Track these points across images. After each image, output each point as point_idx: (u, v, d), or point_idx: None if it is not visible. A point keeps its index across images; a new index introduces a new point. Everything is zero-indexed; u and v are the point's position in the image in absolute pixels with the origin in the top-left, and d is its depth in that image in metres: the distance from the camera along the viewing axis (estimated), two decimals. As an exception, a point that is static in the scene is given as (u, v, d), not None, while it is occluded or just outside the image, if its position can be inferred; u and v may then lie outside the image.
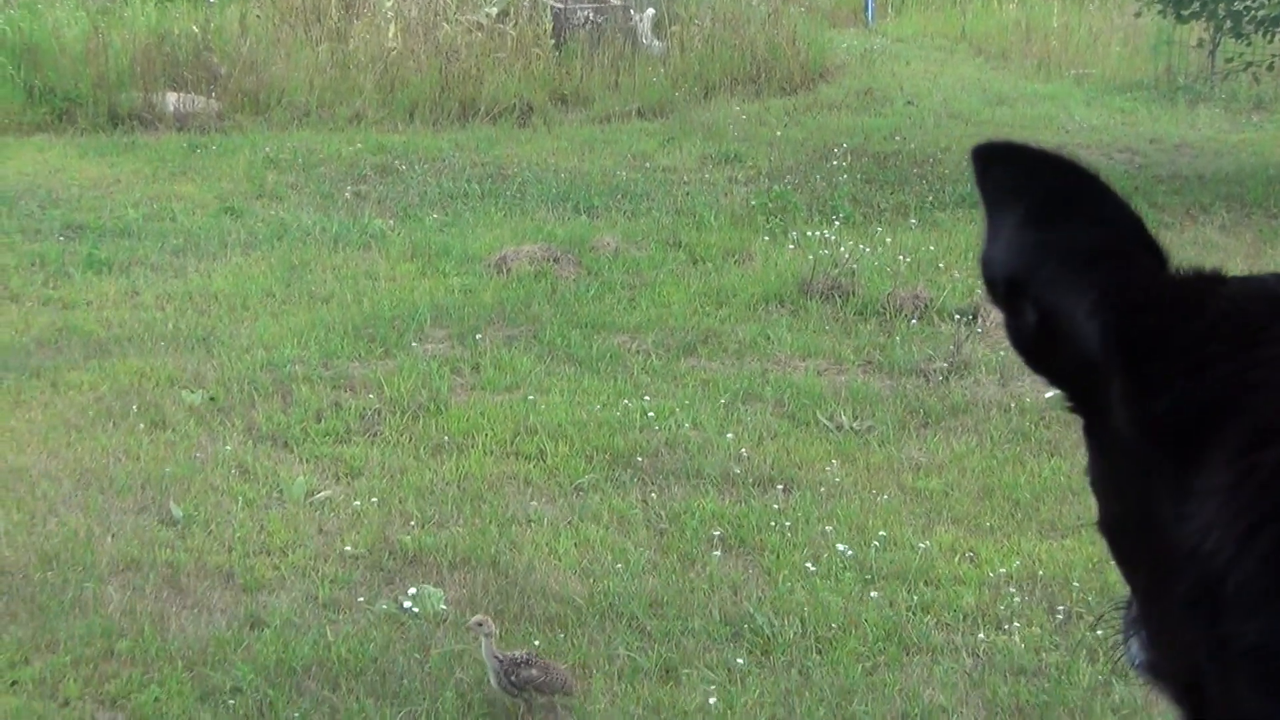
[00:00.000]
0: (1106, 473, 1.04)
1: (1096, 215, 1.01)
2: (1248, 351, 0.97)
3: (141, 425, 9.13)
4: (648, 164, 17.11)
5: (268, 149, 17.11)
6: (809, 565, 7.52)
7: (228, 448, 8.80)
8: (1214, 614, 0.94)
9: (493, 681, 6.15)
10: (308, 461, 8.75)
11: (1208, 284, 1.02)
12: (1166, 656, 1.00)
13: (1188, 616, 0.96)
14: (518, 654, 6.16)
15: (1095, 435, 1.04)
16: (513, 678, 6.05)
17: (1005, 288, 1.03)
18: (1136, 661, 1.04)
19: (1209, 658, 0.95)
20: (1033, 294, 1.02)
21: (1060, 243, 1.01)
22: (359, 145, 17.48)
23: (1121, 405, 1.00)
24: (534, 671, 6.06)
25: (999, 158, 1.04)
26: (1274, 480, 0.92)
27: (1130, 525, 1.02)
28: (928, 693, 6.43)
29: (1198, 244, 13.62)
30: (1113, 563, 1.06)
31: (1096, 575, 7.47)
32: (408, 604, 7.02)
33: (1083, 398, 1.05)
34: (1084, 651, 6.75)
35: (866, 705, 6.29)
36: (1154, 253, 1.02)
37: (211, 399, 9.56)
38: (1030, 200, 1.02)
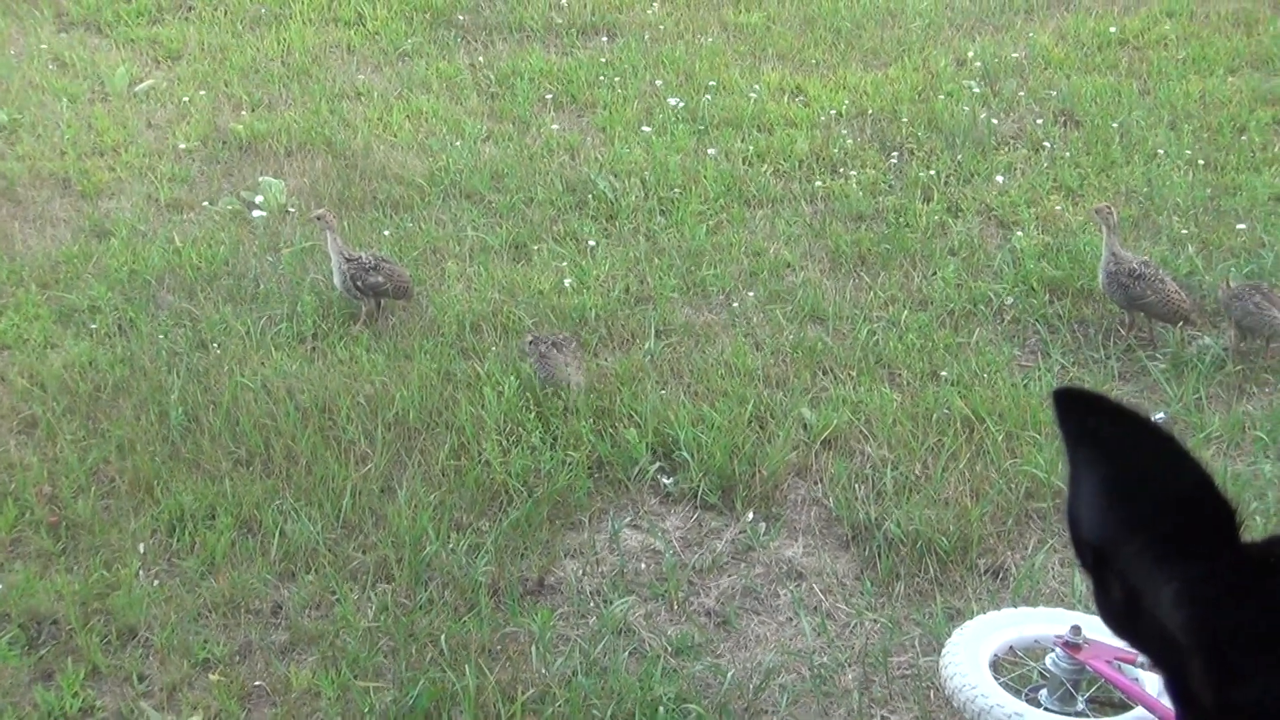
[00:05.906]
0: None
1: (1175, 492, 1.05)
2: None
3: (-56, 22, 8.82)
4: None
5: None
6: (644, 126, 7.58)
7: (42, 44, 8.56)
8: None
9: (337, 283, 6.16)
10: (124, 47, 8.56)
11: None
12: None
13: None
14: (365, 257, 6.12)
15: (1177, 694, 1.10)
16: (359, 283, 6.06)
17: (1093, 558, 1.09)
18: None
19: None
20: (1117, 570, 1.08)
21: (1142, 522, 1.06)
22: None
23: (1205, 686, 1.06)
24: (379, 278, 6.05)
25: (1079, 407, 1.07)
26: None
27: None
28: (773, 248, 6.57)
29: None
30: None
31: (923, 107, 7.63)
32: (255, 209, 6.98)
33: (1165, 663, 1.10)
34: (918, 190, 6.94)
35: (715, 268, 6.39)
36: (1227, 521, 1.05)
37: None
38: (1111, 465, 1.06)
